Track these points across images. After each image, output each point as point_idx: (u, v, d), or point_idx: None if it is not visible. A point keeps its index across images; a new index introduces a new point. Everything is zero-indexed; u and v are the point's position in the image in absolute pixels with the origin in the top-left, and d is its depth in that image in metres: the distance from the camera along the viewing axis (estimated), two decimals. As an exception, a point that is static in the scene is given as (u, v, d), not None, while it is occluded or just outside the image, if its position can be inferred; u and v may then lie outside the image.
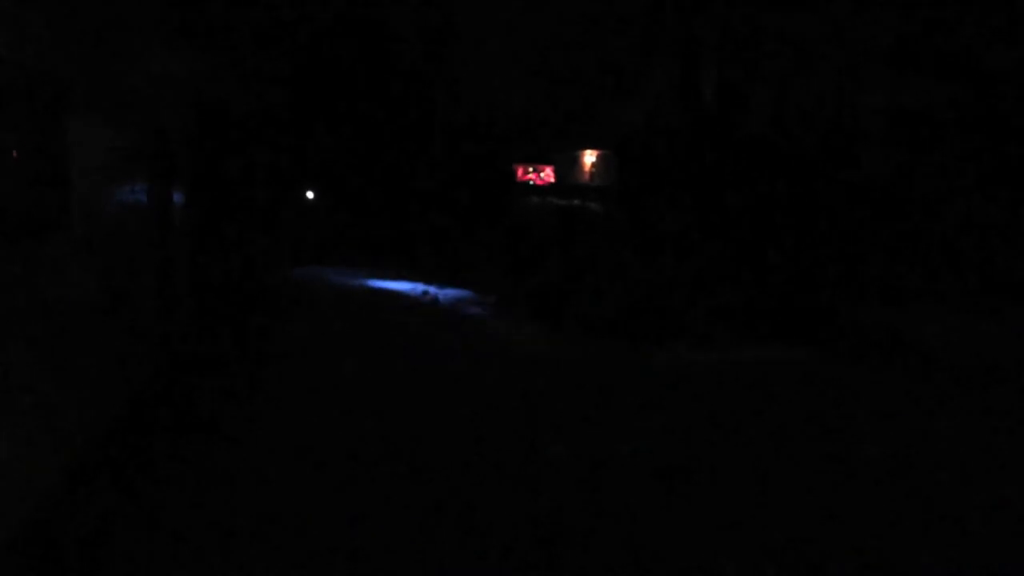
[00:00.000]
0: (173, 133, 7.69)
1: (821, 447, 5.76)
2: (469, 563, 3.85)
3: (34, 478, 3.91)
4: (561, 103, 18.04)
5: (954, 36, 11.33)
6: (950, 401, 7.12)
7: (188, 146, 8.63)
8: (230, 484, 4.69)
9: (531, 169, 22.63)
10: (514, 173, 21.88)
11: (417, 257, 14.82)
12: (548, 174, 22.69)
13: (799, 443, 5.84)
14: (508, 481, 4.92)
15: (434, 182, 16.57)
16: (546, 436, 5.79)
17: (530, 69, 16.21)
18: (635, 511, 4.50)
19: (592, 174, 22.21)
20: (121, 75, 5.66)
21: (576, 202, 18.64)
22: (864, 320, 9.99)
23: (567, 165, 22.45)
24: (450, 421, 6.19)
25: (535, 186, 22.26)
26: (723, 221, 11.84)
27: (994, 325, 9.74)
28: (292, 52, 14.16)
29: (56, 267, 4.37)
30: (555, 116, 18.92)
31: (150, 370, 6.49)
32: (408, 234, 15.46)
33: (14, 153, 3.76)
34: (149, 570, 3.66)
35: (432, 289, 13.27)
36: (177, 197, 7.92)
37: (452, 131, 17.06)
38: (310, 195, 16.57)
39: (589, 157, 22.36)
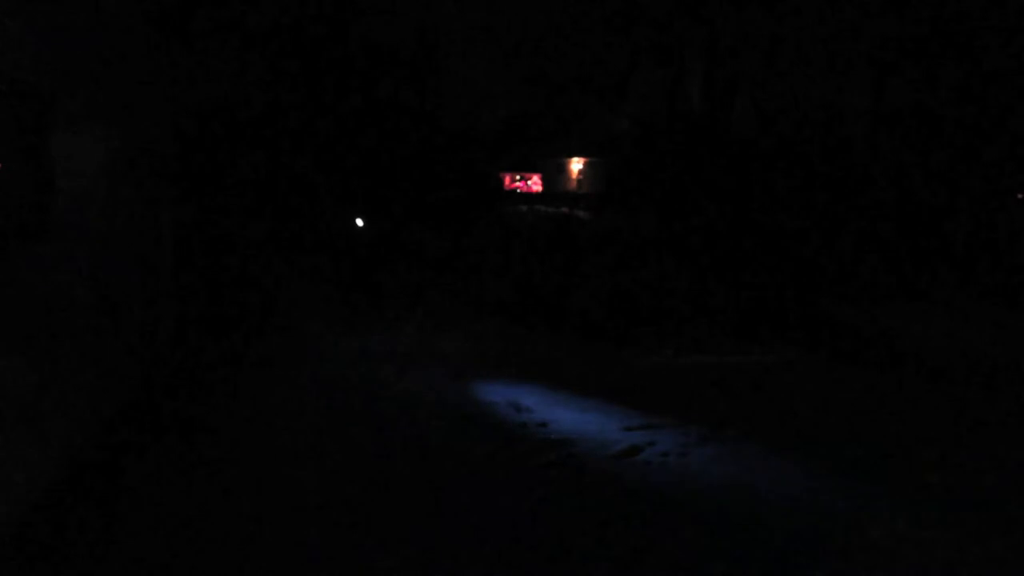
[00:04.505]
0: (162, 142, 7.62)
1: (806, 445, 5.76)
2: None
3: (32, 475, 3.88)
4: (548, 110, 18.08)
5: (947, 36, 11.45)
6: (939, 401, 7.15)
7: (178, 155, 8.56)
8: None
9: (518, 177, 22.66)
10: (501, 181, 21.87)
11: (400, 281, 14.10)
12: (535, 182, 22.72)
13: (782, 441, 5.84)
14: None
15: (419, 194, 16.46)
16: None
17: (517, 76, 16.23)
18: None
19: (579, 181, 22.29)
20: (107, 82, 5.61)
21: (564, 210, 18.68)
22: (856, 322, 10.04)
23: (554, 172, 22.50)
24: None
25: (522, 194, 22.29)
26: (714, 224, 11.87)
27: (998, 331, 9.84)
28: (281, 60, 14.12)
29: (41, 273, 4.33)
30: (542, 124, 18.95)
31: (131, 383, 6.42)
32: (390, 250, 15.18)
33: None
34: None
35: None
36: (165, 208, 7.85)
37: (439, 140, 17.04)
38: (359, 222, 15.25)
39: (576, 164, 22.44)
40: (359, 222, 14.59)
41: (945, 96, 11.75)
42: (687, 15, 13.08)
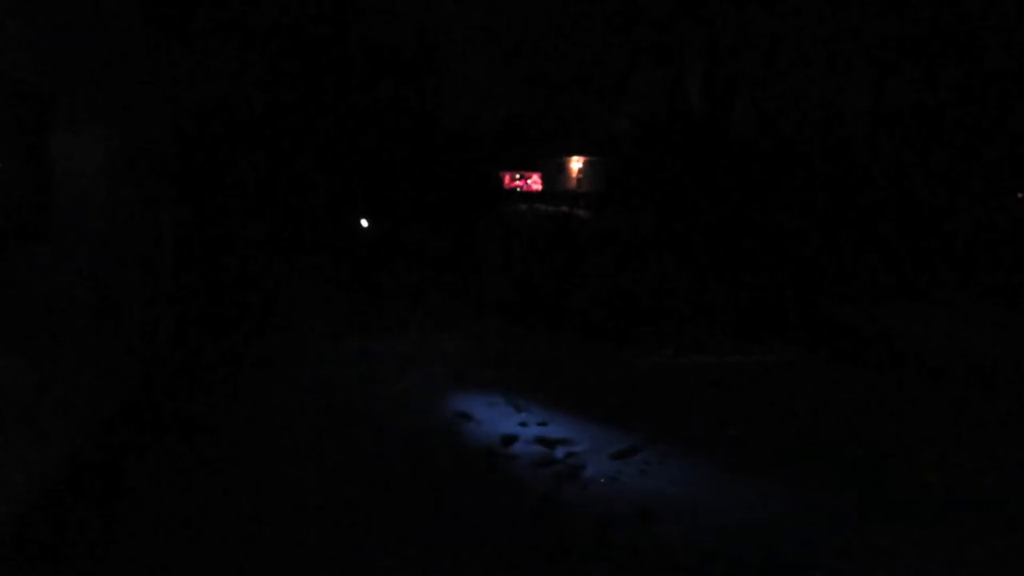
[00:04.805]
0: (162, 142, 7.62)
1: (806, 445, 5.77)
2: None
3: (32, 475, 3.88)
4: (548, 110, 18.08)
5: (947, 36, 11.45)
6: (939, 401, 7.17)
7: (178, 155, 8.56)
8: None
9: (518, 176, 22.65)
10: (501, 180, 21.89)
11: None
12: (535, 181, 22.70)
13: (782, 441, 5.85)
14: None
15: (419, 194, 16.40)
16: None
17: (516, 75, 16.23)
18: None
19: (579, 180, 22.26)
20: (107, 82, 5.61)
21: (564, 208, 18.67)
22: (856, 322, 10.04)
23: (554, 171, 22.49)
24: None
25: (522, 193, 22.29)
26: (714, 224, 11.88)
27: (998, 331, 9.84)
28: (281, 60, 14.11)
29: (41, 273, 4.33)
30: (542, 123, 18.95)
31: (133, 382, 6.42)
32: (390, 250, 15.06)
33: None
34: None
35: None
36: (165, 208, 7.85)
37: (439, 140, 17.02)
38: (364, 223, 14.59)
39: (576, 163, 22.43)
40: (364, 223, 14.29)
41: (945, 96, 11.76)
42: (687, 15, 13.09)
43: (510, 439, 5.78)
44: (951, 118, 11.87)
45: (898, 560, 3.96)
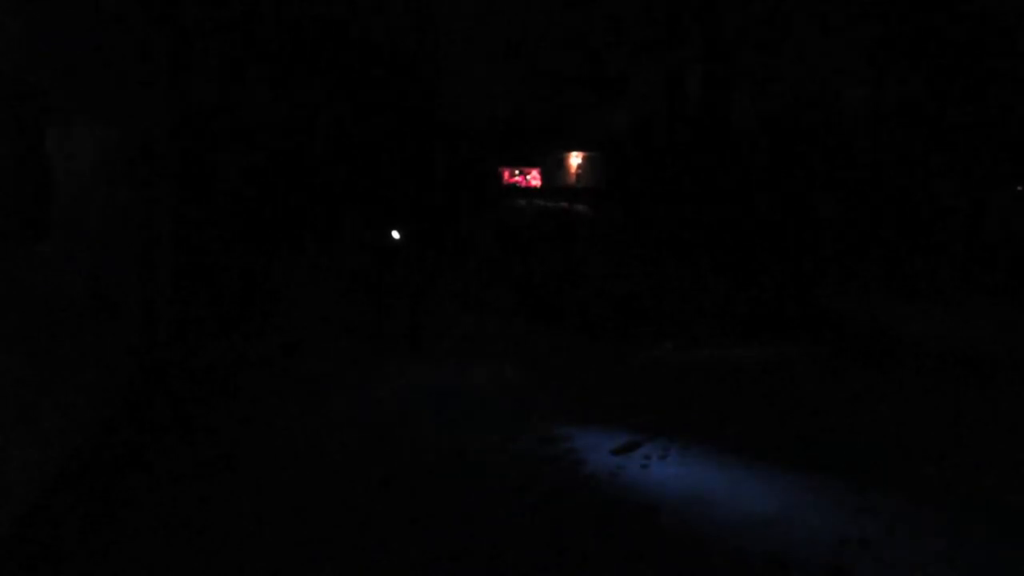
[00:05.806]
0: (162, 142, 7.62)
1: (802, 442, 5.78)
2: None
3: (32, 475, 3.89)
4: (548, 107, 18.08)
5: (947, 36, 11.44)
6: (939, 400, 7.16)
7: (177, 155, 8.55)
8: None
9: (517, 172, 22.64)
10: (500, 176, 21.90)
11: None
12: (534, 176, 22.68)
13: (778, 437, 5.85)
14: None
15: (419, 192, 16.37)
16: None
17: (516, 73, 16.23)
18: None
19: (578, 176, 22.24)
20: (106, 82, 5.61)
21: (563, 204, 18.63)
22: (855, 319, 10.04)
23: (553, 167, 22.45)
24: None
25: (521, 188, 22.29)
26: (714, 220, 11.88)
27: (998, 328, 9.86)
28: (281, 60, 14.10)
29: (41, 274, 4.33)
30: (542, 121, 18.95)
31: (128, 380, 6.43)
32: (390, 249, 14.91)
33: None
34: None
35: None
36: (165, 208, 7.84)
37: (439, 139, 17.00)
38: (396, 234, 13.98)
39: (575, 159, 22.41)
40: (395, 234, 13.77)
41: (945, 95, 11.75)
42: (687, 12, 13.09)
43: (511, 434, 5.78)
44: (951, 118, 11.87)
45: (897, 558, 3.96)
